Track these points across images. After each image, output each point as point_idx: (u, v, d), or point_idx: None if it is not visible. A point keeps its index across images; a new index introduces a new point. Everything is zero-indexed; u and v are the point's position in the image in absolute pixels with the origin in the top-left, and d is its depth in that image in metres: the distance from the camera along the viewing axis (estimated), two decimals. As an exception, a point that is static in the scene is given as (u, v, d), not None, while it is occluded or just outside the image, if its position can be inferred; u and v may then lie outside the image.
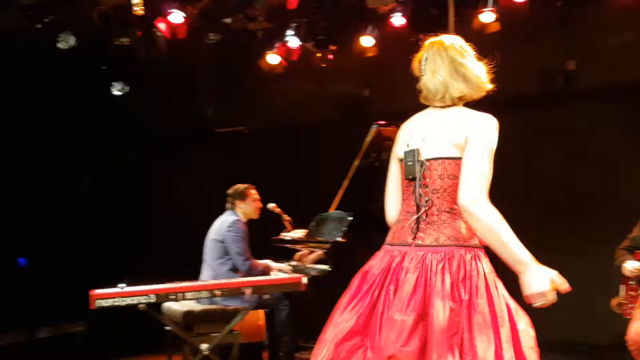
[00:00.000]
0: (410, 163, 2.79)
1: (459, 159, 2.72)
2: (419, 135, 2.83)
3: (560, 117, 7.08)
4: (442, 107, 2.84)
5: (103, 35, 6.61)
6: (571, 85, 6.84)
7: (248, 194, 5.93)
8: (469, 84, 2.83)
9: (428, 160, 2.78)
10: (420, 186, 2.78)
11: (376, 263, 2.83)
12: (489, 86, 2.88)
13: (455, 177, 2.72)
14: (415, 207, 2.80)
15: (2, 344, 7.19)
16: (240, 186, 5.97)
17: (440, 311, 2.54)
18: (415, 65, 2.94)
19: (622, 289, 4.76)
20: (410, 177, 2.80)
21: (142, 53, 6.89)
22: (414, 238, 2.77)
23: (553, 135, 7.09)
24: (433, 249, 2.70)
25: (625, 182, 5.87)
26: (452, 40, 2.89)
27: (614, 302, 4.83)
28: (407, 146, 2.83)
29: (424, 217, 2.76)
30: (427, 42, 2.92)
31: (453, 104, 2.84)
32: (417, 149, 2.79)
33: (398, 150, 2.92)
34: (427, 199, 2.77)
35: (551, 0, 6.07)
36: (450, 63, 2.81)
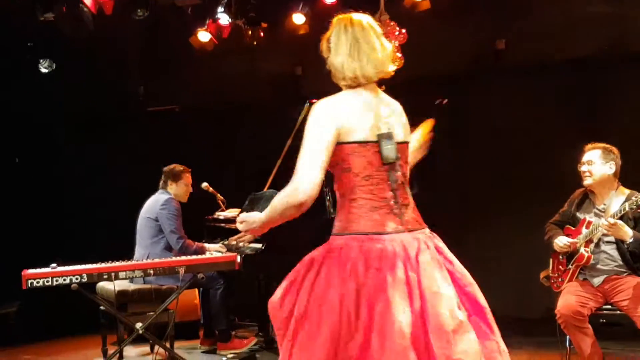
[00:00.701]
0: (390, 147, 2.69)
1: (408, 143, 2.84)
2: (378, 118, 2.73)
3: (487, 98, 7.25)
4: (360, 87, 2.77)
5: (28, 10, 6.45)
6: (501, 63, 6.98)
7: (182, 177, 5.93)
8: (368, 64, 2.72)
9: (399, 144, 2.76)
10: (397, 170, 2.74)
11: (376, 257, 2.63)
12: (391, 68, 2.80)
13: (407, 162, 2.83)
14: (390, 192, 2.72)
15: None
16: (177, 167, 5.96)
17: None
18: (323, 44, 2.86)
19: (551, 264, 4.85)
20: (390, 161, 2.70)
21: (68, 29, 6.74)
22: (403, 224, 2.71)
23: (485, 112, 7.27)
24: (420, 232, 2.74)
25: (552, 162, 6.01)
26: (360, 18, 2.80)
27: (543, 274, 4.91)
28: (378, 129, 2.70)
29: (400, 201, 2.73)
30: (335, 20, 2.84)
31: (359, 85, 2.76)
32: (392, 133, 2.72)
33: (349, 132, 2.69)
34: (401, 182, 2.75)
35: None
36: (353, 41, 2.73)
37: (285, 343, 2.65)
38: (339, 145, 2.69)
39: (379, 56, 2.74)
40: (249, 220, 2.81)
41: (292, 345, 2.61)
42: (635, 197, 4.34)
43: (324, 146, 2.64)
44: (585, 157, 4.63)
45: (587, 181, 4.64)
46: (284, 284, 2.76)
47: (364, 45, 2.72)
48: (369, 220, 2.69)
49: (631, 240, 4.36)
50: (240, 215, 2.83)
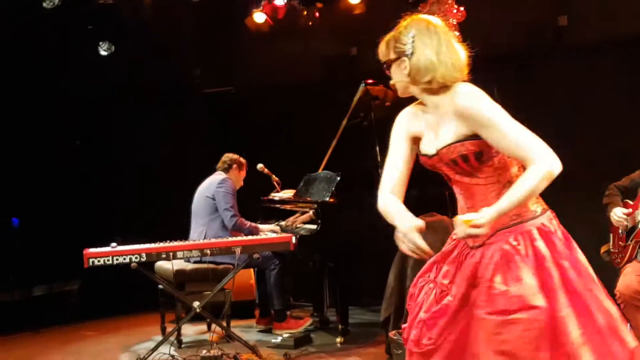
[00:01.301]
0: None
1: None
2: None
3: (547, 74, 7.10)
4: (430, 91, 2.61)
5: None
6: (562, 40, 6.83)
7: (241, 163, 6.05)
8: (454, 68, 2.55)
9: None
10: None
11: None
12: (466, 74, 2.63)
13: None
14: None
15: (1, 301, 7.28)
16: (231, 156, 6.07)
17: None
18: (389, 43, 2.64)
19: (611, 238, 4.73)
20: None
21: (126, 11, 6.83)
22: None
23: (544, 89, 7.11)
24: None
25: (623, 137, 5.86)
26: (438, 21, 2.62)
27: (603, 249, 4.80)
28: None
29: None
30: (409, 20, 2.63)
31: (436, 88, 2.57)
32: None
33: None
34: None
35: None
36: (440, 44, 2.54)
37: None
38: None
39: (462, 61, 2.60)
40: (490, 216, 2.40)
41: None
42: None
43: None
44: None
45: None
46: None
47: (451, 49, 2.57)
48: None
49: None
50: (458, 220, 2.46)
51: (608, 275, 4.70)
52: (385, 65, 2.65)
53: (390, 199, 2.68)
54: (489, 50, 6.72)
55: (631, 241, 4.53)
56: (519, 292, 2.42)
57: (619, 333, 2.48)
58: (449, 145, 2.52)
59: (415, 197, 5.78)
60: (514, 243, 2.50)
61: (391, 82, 2.66)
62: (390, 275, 5.55)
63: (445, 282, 2.59)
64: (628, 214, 4.48)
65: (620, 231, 4.62)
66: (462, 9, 5.75)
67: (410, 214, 2.57)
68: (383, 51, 2.66)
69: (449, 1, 5.73)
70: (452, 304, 2.54)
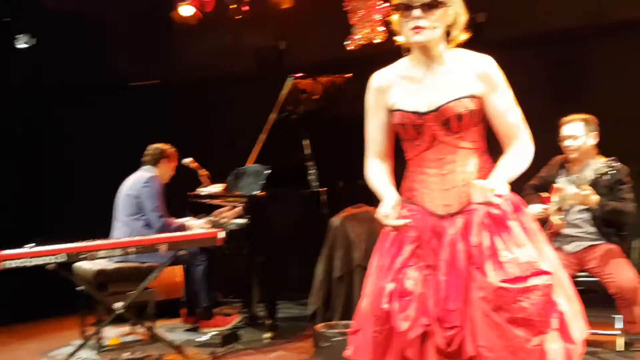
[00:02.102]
0: None
1: None
2: None
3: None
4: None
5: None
6: (482, 36, 6.92)
7: (168, 154, 5.94)
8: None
9: None
10: None
11: None
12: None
13: None
14: None
15: None
16: (164, 147, 5.96)
17: None
18: None
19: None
20: None
21: (48, 3, 6.67)
22: None
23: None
24: None
25: (538, 130, 5.95)
26: None
27: None
28: None
29: None
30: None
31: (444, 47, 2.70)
32: None
33: None
34: None
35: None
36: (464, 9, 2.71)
37: None
38: None
39: None
40: (497, 183, 2.49)
41: None
42: (606, 165, 4.29)
43: None
44: (568, 131, 4.64)
45: (573, 155, 4.66)
46: None
47: None
48: None
49: (596, 208, 4.45)
50: (491, 184, 2.48)
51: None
52: (429, 3, 2.53)
53: (372, 170, 2.80)
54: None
55: (545, 232, 4.66)
56: (527, 258, 2.49)
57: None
58: (456, 99, 2.56)
59: (342, 189, 5.85)
60: (504, 207, 2.57)
61: (430, 24, 2.55)
62: (318, 268, 5.62)
63: (431, 265, 2.60)
64: (544, 209, 4.62)
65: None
66: (387, 4, 5.77)
67: (388, 194, 2.67)
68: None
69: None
70: (442, 280, 2.55)
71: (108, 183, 6.06)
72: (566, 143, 4.64)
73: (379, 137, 2.78)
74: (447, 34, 2.62)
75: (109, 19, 8.23)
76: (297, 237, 5.72)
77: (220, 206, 6.06)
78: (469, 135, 2.61)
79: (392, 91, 2.70)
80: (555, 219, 4.57)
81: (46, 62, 7.90)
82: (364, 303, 2.73)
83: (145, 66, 8.46)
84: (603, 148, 4.66)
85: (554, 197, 4.58)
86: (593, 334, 4.76)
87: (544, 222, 4.63)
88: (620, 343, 4.62)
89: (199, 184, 6.36)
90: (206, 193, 6.27)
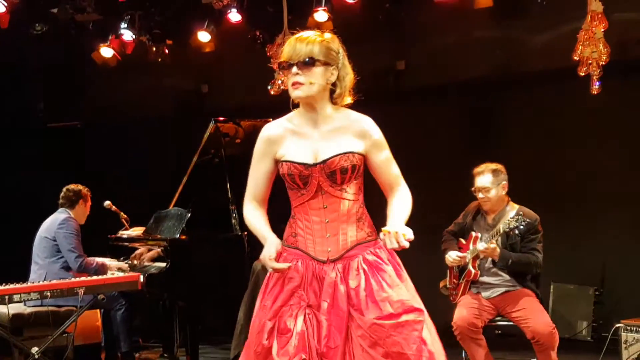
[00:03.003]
0: None
1: None
2: None
3: (388, 117, 7.36)
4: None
5: None
6: (400, 84, 7.12)
7: (84, 196, 5.84)
8: (348, 93, 2.86)
9: None
10: None
11: None
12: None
13: None
14: None
15: None
16: (78, 188, 5.84)
17: None
18: (321, 47, 2.73)
19: (448, 275, 4.91)
20: None
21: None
22: None
23: (383, 131, 7.37)
24: None
25: (448, 176, 6.14)
26: None
27: (441, 284, 4.97)
28: None
29: None
30: (332, 35, 2.82)
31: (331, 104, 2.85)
32: None
33: None
34: None
35: (381, 0, 6.25)
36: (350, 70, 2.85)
37: None
38: None
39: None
40: (407, 231, 2.63)
41: None
42: (519, 214, 4.40)
43: None
44: (479, 183, 4.69)
45: (486, 206, 4.74)
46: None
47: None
48: None
49: (498, 260, 4.53)
50: (401, 230, 2.62)
51: (448, 304, 4.91)
52: (306, 61, 2.68)
53: (253, 212, 2.91)
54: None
55: (463, 280, 4.76)
56: (399, 297, 2.68)
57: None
58: (341, 154, 2.73)
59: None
60: (374, 255, 2.78)
61: (307, 80, 2.69)
62: (240, 312, 5.56)
63: (312, 304, 2.74)
64: (460, 257, 4.68)
65: (455, 269, 4.84)
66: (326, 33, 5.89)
67: (270, 237, 2.80)
68: (311, 49, 2.70)
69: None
70: (323, 319, 2.69)
71: (24, 225, 5.93)
72: (479, 195, 4.69)
73: (261, 183, 2.89)
74: (332, 92, 2.78)
75: (26, 58, 8.15)
76: (220, 281, 5.64)
77: (139, 249, 5.97)
78: (350, 187, 2.77)
79: (282, 143, 2.82)
80: (471, 268, 4.65)
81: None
82: (248, 340, 2.87)
83: (64, 107, 8.37)
84: (513, 194, 4.74)
85: (471, 246, 4.65)
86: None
87: (462, 268, 4.73)
88: None
89: (119, 227, 6.27)
90: (126, 236, 6.15)
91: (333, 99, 2.80)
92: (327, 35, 2.80)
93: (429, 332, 2.73)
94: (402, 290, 2.71)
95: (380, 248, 2.79)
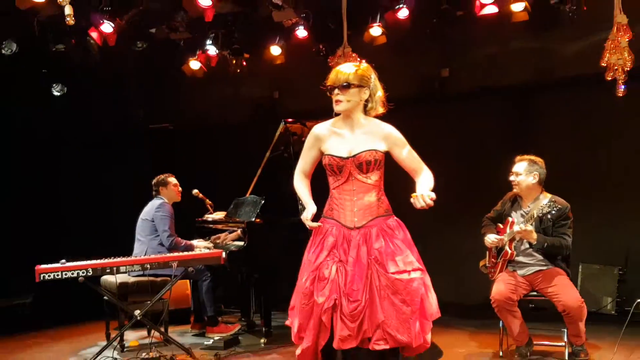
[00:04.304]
0: None
1: None
2: None
3: (435, 118, 7.32)
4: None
5: (42, 42, 6.46)
6: (445, 89, 7.05)
7: (168, 182, 5.90)
8: (380, 107, 3.40)
9: None
10: None
11: None
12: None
13: None
14: None
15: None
16: (161, 176, 5.94)
17: None
18: (356, 75, 3.25)
19: (487, 255, 4.89)
20: None
21: (77, 58, 6.73)
22: None
23: (430, 131, 7.32)
24: None
25: (490, 170, 6.04)
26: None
27: (481, 263, 4.95)
28: None
29: None
30: (367, 65, 3.36)
31: (364, 115, 3.40)
32: None
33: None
34: None
35: (428, 17, 6.20)
36: (380, 90, 3.40)
37: None
38: None
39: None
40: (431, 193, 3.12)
41: None
42: (551, 203, 4.37)
43: None
44: (515, 168, 4.68)
45: (515, 189, 4.73)
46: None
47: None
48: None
49: (535, 243, 4.50)
50: (426, 193, 3.12)
51: (487, 281, 4.88)
52: (344, 85, 3.22)
53: (301, 182, 3.47)
54: (387, 96, 6.94)
55: (500, 259, 4.74)
56: (409, 259, 3.22)
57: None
58: (368, 150, 3.25)
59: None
60: (391, 225, 3.32)
61: (345, 99, 3.23)
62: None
63: (343, 260, 3.26)
64: (498, 239, 4.68)
65: (493, 249, 4.81)
66: (363, 61, 5.88)
67: (310, 203, 3.38)
68: (347, 76, 3.24)
69: (353, 55, 5.85)
70: (350, 270, 3.21)
71: (130, 210, 6.05)
72: (511, 178, 4.68)
73: (308, 163, 3.44)
74: (366, 105, 3.30)
75: (130, 71, 8.32)
76: (288, 257, 5.68)
77: (222, 230, 6.05)
78: (373, 175, 3.29)
79: (326, 140, 3.34)
80: (508, 248, 4.63)
81: (75, 108, 7.97)
82: (297, 286, 3.37)
83: (159, 113, 8.51)
84: (547, 184, 4.68)
85: (508, 229, 4.63)
86: (544, 345, 4.88)
87: (500, 249, 4.71)
88: (566, 353, 4.63)
89: (205, 211, 6.36)
90: (211, 219, 6.23)
91: (366, 111, 3.31)
92: (364, 64, 3.33)
93: (429, 287, 3.27)
94: (409, 254, 3.24)
95: (393, 222, 3.32)
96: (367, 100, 3.27)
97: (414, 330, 3.15)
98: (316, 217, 3.40)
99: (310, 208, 3.32)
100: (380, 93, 3.31)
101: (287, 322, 3.46)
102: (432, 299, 3.27)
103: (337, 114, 3.32)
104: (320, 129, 3.36)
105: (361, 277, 3.17)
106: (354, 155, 3.24)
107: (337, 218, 3.32)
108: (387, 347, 3.14)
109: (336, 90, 3.22)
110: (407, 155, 3.30)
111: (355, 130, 3.29)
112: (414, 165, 3.33)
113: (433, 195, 3.07)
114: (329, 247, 3.27)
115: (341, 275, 3.19)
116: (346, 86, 3.20)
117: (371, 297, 3.16)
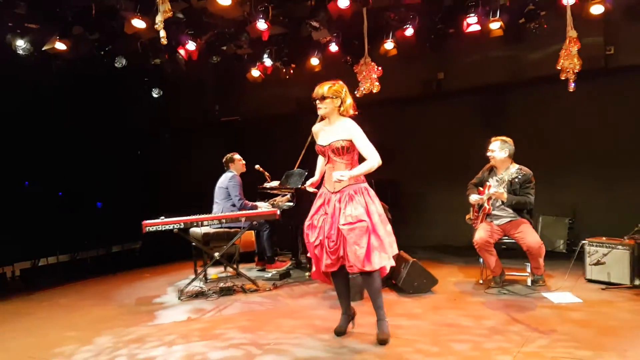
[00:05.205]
0: None
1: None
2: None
3: (434, 110, 7.29)
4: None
5: (144, 57, 6.56)
6: (441, 89, 7.03)
7: (234, 158, 5.88)
8: (350, 110, 3.49)
9: None
10: None
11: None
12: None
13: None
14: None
15: (91, 256, 7.27)
16: (228, 154, 5.91)
17: None
18: (331, 90, 3.42)
19: (471, 210, 4.91)
20: None
21: (169, 69, 6.88)
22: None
23: (429, 123, 7.32)
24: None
25: (473, 149, 6.07)
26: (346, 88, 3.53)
27: (467, 216, 4.96)
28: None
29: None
30: (339, 82, 3.50)
31: (338, 116, 3.50)
32: None
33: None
34: None
35: (428, 34, 6.19)
36: (350, 98, 3.52)
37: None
38: None
39: (352, 107, 3.51)
40: (350, 174, 3.28)
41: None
42: (518, 170, 4.39)
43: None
44: (490, 146, 4.67)
45: (492, 162, 4.72)
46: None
47: (351, 101, 3.50)
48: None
49: (506, 201, 4.48)
50: (345, 172, 3.29)
51: (470, 229, 4.94)
52: (321, 98, 3.43)
53: (319, 162, 3.71)
54: (394, 94, 6.97)
55: (481, 213, 4.73)
56: (356, 213, 3.32)
57: (386, 247, 3.37)
58: (337, 140, 3.39)
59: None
60: (355, 190, 3.39)
61: (323, 106, 3.44)
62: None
63: (326, 213, 3.42)
64: (479, 199, 4.67)
65: (475, 206, 4.82)
66: (380, 68, 5.91)
67: (316, 175, 3.71)
68: (323, 92, 3.44)
69: (372, 64, 5.86)
70: (329, 220, 3.38)
71: (210, 180, 6.07)
72: (488, 154, 4.66)
73: (317, 149, 3.59)
74: (339, 108, 3.43)
75: (208, 78, 8.45)
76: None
77: (277, 195, 6.06)
78: (344, 157, 3.42)
79: (318, 134, 3.55)
80: (486, 205, 4.65)
81: (169, 106, 8.09)
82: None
83: (230, 108, 8.59)
84: (517, 158, 4.68)
85: (486, 191, 4.63)
86: (513, 275, 4.94)
87: (480, 206, 4.72)
88: (529, 281, 4.69)
89: (265, 181, 6.39)
90: (268, 187, 6.22)
91: (340, 112, 3.43)
92: (338, 83, 3.47)
93: (375, 231, 3.32)
94: (359, 210, 3.31)
95: (357, 188, 3.38)
96: (340, 106, 3.42)
97: (364, 260, 3.29)
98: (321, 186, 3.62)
99: (312, 179, 3.67)
100: (349, 101, 3.44)
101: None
102: (377, 241, 3.33)
103: (322, 117, 3.54)
104: (315, 127, 3.58)
105: (335, 226, 3.35)
106: (329, 144, 3.41)
107: (326, 186, 3.51)
108: (355, 271, 3.34)
109: (317, 101, 3.43)
110: (359, 144, 3.36)
111: (332, 126, 3.44)
112: (363, 153, 3.38)
113: (339, 176, 3.23)
114: (319, 205, 3.48)
115: (325, 223, 3.39)
116: (323, 98, 3.41)
117: (343, 239, 3.33)
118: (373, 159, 3.33)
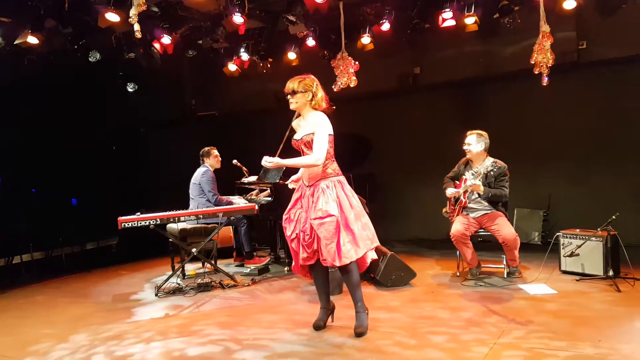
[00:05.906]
0: None
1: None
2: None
3: (410, 104, 7.32)
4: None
5: (119, 51, 6.45)
6: (416, 83, 7.05)
7: (211, 153, 5.79)
8: (322, 103, 3.43)
9: None
10: None
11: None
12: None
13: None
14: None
15: (67, 253, 7.13)
16: (205, 148, 5.83)
17: None
18: (301, 84, 3.37)
19: (447, 204, 4.95)
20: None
21: (144, 63, 6.77)
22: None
23: (406, 117, 7.35)
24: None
25: (450, 143, 6.12)
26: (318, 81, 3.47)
27: (443, 210, 5.01)
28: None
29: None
30: (311, 77, 3.43)
31: (311, 110, 3.44)
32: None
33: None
34: None
35: (404, 29, 6.19)
36: (321, 92, 3.46)
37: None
38: (331, 136, 3.38)
39: (324, 101, 3.46)
40: (277, 161, 3.28)
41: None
42: (493, 164, 4.44)
43: (329, 139, 3.36)
44: (466, 140, 4.70)
45: (468, 155, 4.75)
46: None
47: (323, 95, 3.45)
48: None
49: (482, 194, 4.52)
50: (272, 159, 3.30)
51: (447, 222, 4.98)
52: (292, 92, 3.38)
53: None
54: (373, 88, 6.97)
55: (457, 206, 4.78)
56: (326, 208, 3.27)
57: (359, 240, 3.32)
58: (307, 134, 3.36)
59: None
60: (327, 185, 3.35)
61: (294, 101, 3.38)
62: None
63: (302, 207, 3.42)
64: (455, 192, 4.71)
65: (452, 199, 4.86)
66: (357, 62, 5.90)
67: (298, 174, 3.66)
68: (293, 86, 3.39)
69: (349, 58, 5.85)
70: (304, 215, 3.37)
71: (184, 175, 6.00)
72: (464, 148, 4.70)
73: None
74: (311, 102, 3.38)
75: (184, 72, 8.33)
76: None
77: (254, 189, 6.08)
78: (311, 150, 3.33)
79: (296, 129, 3.52)
80: (462, 198, 4.69)
81: (144, 100, 7.98)
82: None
83: (206, 103, 8.51)
84: (493, 152, 4.72)
85: (463, 184, 4.66)
86: (490, 267, 4.99)
87: (457, 199, 4.75)
88: (505, 273, 4.74)
89: (242, 176, 6.36)
90: (246, 182, 6.20)
91: (312, 106, 3.39)
92: (309, 77, 3.41)
93: (346, 225, 3.29)
94: (330, 205, 3.27)
95: (329, 183, 3.33)
96: (311, 100, 3.38)
97: (335, 255, 3.26)
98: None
99: (294, 176, 3.71)
100: (321, 95, 3.40)
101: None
102: (349, 235, 3.30)
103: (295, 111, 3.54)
104: (294, 122, 3.60)
105: (307, 220, 3.35)
106: (300, 138, 3.42)
107: (302, 179, 3.52)
108: (329, 264, 3.33)
109: (288, 96, 3.40)
110: (315, 137, 3.31)
111: (305, 121, 3.45)
112: (313, 146, 3.33)
113: (265, 162, 3.30)
114: (296, 199, 3.48)
115: (301, 217, 3.39)
116: (293, 92, 3.38)
117: (316, 233, 3.32)
118: (313, 156, 3.29)
